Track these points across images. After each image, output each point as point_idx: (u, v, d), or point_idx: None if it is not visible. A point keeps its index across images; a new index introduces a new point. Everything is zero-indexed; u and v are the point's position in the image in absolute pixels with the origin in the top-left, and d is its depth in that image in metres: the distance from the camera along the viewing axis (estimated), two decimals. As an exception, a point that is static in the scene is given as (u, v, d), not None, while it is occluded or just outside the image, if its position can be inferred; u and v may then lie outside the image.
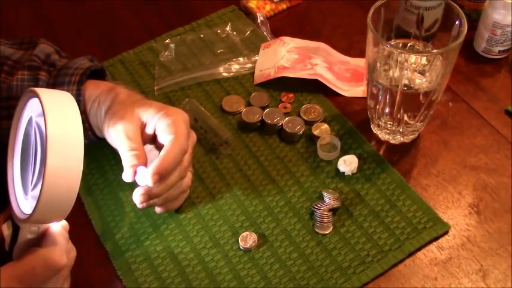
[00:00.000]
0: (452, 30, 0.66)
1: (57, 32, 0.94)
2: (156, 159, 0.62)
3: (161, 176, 0.61)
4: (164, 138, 0.64)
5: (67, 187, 0.50)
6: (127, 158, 0.63)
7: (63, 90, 0.68)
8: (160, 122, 0.65)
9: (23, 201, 0.54)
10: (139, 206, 0.64)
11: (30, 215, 0.50)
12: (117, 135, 0.65)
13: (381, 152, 0.74)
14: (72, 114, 0.52)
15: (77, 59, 0.73)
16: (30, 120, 0.55)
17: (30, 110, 0.55)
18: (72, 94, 0.67)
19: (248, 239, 0.67)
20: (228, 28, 0.90)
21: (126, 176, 0.63)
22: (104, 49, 0.90)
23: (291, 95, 0.81)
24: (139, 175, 0.62)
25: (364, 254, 0.65)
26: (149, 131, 0.66)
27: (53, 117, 0.50)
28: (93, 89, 0.69)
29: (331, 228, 0.67)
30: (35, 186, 0.52)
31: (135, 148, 0.63)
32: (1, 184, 0.57)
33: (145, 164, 0.63)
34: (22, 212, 0.53)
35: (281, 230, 0.68)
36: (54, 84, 0.69)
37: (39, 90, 0.52)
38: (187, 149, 0.65)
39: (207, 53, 0.87)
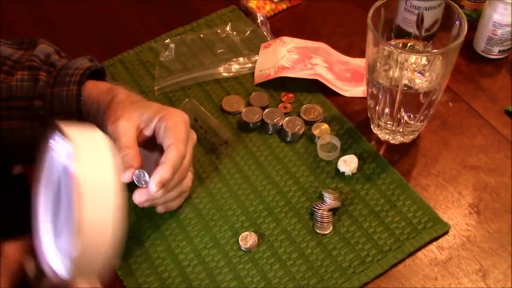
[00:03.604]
0: (452, 30, 0.66)
1: (57, 32, 0.93)
2: (158, 168, 0.62)
3: (164, 184, 0.62)
4: (164, 142, 0.64)
5: (100, 243, 0.45)
6: (122, 158, 0.63)
7: (63, 90, 0.68)
8: (160, 124, 0.65)
9: (50, 250, 0.50)
10: (140, 206, 0.64)
11: (59, 273, 0.47)
12: (113, 133, 0.64)
13: (381, 152, 0.74)
14: (105, 158, 0.48)
15: (76, 59, 0.73)
16: (57, 159, 0.52)
17: (58, 148, 0.51)
18: (72, 94, 0.68)
19: (248, 239, 0.67)
20: (228, 28, 0.90)
21: (124, 177, 0.63)
22: (104, 49, 0.90)
23: (291, 95, 0.81)
24: (140, 179, 0.62)
25: (364, 254, 0.65)
26: (148, 132, 0.66)
27: (84, 167, 0.46)
28: (93, 89, 0.69)
29: (331, 228, 0.67)
30: (63, 237, 0.48)
31: (130, 146, 0.63)
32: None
33: (140, 165, 0.63)
34: (48, 261, 0.49)
35: (281, 230, 0.68)
36: (54, 84, 0.69)
37: (68, 129, 0.48)
38: (186, 154, 0.65)
39: (207, 53, 0.87)
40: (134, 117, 0.65)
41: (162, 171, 0.62)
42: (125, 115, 0.65)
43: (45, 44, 0.74)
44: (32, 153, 0.73)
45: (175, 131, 0.64)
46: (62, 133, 0.48)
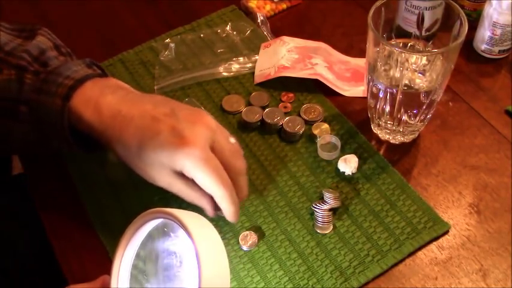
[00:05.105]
0: (453, 30, 0.66)
1: (57, 32, 0.93)
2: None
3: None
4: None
5: None
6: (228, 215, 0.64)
7: (48, 100, 0.63)
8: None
9: None
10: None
11: None
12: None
13: (381, 152, 0.74)
14: (222, 258, 0.55)
15: (72, 63, 0.67)
16: (166, 243, 0.57)
17: (173, 236, 0.56)
18: (56, 109, 0.63)
19: (248, 239, 0.67)
20: (228, 28, 0.90)
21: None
22: (104, 49, 0.90)
23: (291, 95, 0.81)
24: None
25: (364, 254, 0.65)
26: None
27: (208, 269, 0.51)
28: (82, 107, 0.63)
29: (331, 228, 0.67)
30: None
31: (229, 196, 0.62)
32: None
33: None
34: None
35: (281, 230, 0.68)
36: (40, 90, 0.64)
37: (189, 224, 0.53)
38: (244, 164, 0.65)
39: (207, 52, 0.87)
40: (201, 137, 0.61)
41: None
42: (191, 140, 0.60)
43: (45, 36, 0.70)
44: (26, 151, 0.72)
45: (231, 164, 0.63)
46: (183, 227, 0.53)
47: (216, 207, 0.63)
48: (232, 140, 0.66)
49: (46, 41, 0.70)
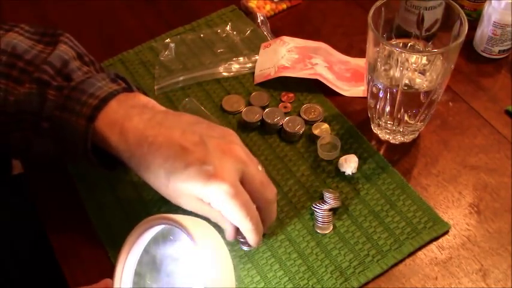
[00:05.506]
0: (453, 30, 0.67)
1: (57, 32, 0.93)
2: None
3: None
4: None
5: None
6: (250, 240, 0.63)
7: (72, 119, 0.61)
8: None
9: None
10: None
11: None
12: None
13: (381, 152, 0.74)
14: (228, 268, 0.55)
15: (96, 78, 0.64)
16: (169, 247, 0.56)
17: (177, 241, 0.56)
18: (79, 130, 0.61)
19: (248, 239, 0.67)
20: (228, 28, 0.90)
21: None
22: (104, 49, 0.90)
23: (291, 95, 0.81)
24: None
25: (364, 254, 0.65)
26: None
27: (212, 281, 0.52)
28: (107, 130, 0.62)
29: (331, 228, 0.67)
30: None
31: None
32: None
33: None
34: None
35: (281, 230, 0.68)
36: (63, 108, 0.62)
37: (195, 233, 0.52)
38: (275, 193, 0.64)
39: (207, 52, 0.87)
40: (231, 171, 0.60)
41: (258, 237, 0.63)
42: (220, 174, 0.59)
43: (67, 45, 0.67)
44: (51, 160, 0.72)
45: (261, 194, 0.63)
46: (188, 233, 0.53)
47: (238, 232, 0.63)
48: (259, 167, 0.65)
49: (69, 50, 0.67)
